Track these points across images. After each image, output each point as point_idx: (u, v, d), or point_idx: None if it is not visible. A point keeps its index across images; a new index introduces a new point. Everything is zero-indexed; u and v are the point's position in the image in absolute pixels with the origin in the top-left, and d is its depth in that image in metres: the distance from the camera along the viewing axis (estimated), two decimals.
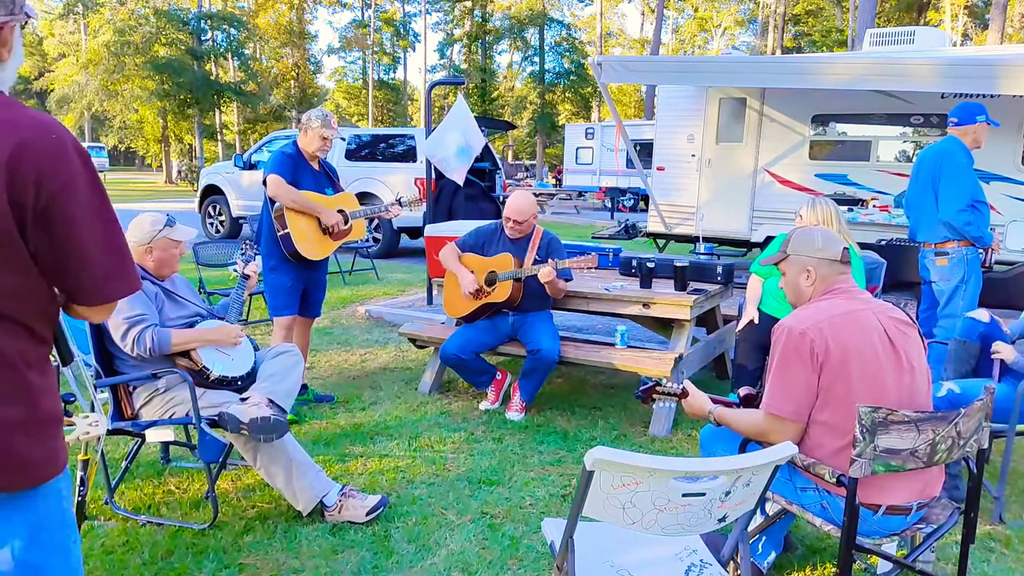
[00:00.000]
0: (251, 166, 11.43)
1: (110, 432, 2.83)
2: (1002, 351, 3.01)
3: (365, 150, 10.94)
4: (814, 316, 2.06)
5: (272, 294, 4.04)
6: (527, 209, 3.99)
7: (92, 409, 2.50)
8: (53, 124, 1.19)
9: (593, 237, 11.23)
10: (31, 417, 1.21)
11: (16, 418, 1.19)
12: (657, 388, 2.33)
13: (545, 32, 41.88)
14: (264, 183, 3.88)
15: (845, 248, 2.20)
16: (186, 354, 2.84)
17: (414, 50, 48.65)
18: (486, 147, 10.63)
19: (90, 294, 1.27)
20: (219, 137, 38.24)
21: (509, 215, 3.99)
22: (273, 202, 3.91)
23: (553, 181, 27.99)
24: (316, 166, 4.05)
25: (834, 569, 1.95)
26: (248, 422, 2.61)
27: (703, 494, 1.57)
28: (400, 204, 4.29)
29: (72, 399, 3.33)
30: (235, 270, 3.31)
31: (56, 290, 1.26)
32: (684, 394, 2.30)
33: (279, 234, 3.89)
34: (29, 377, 1.21)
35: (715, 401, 2.31)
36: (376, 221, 10.47)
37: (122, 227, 1.29)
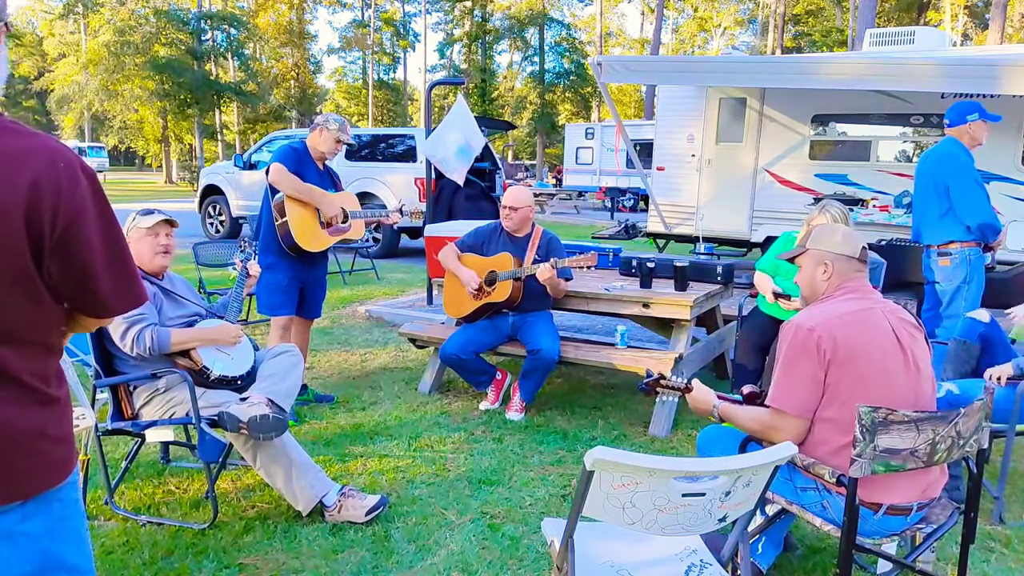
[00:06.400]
0: (251, 166, 11.43)
1: (110, 432, 2.83)
2: (997, 374, 2.97)
3: (365, 150, 10.93)
4: (823, 314, 2.07)
5: (267, 292, 4.00)
6: (522, 198, 4.07)
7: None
8: (61, 150, 1.17)
9: (593, 237, 11.25)
10: (55, 424, 1.26)
11: (44, 428, 1.23)
12: (661, 381, 2.33)
13: (545, 32, 41.88)
14: (267, 172, 3.88)
15: (864, 247, 2.20)
16: (186, 354, 2.84)
17: (414, 50, 48.66)
18: (486, 147, 10.61)
19: (100, 311, 1.30)
20: (219, 137, 38.23)
21: (505, 203, 4.09)
22: (274, 192, 3.90)
23: (553, 181, 27.98)
24: (321, 167, 4.05)
25: (834, 569, 1.95)
26: (247, 421, 2.61)
27: (703, 494, 1.57)
28: (401, 213, 4.30)
29: None
30: (234, 268, 3.31)
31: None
32: (688, 388, 2.30)
33: (277, 223, 3.87)
34: (50, 388, 1.25)
35: (720, 398, 2.31)
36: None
37: (125, 237, 1.30)
